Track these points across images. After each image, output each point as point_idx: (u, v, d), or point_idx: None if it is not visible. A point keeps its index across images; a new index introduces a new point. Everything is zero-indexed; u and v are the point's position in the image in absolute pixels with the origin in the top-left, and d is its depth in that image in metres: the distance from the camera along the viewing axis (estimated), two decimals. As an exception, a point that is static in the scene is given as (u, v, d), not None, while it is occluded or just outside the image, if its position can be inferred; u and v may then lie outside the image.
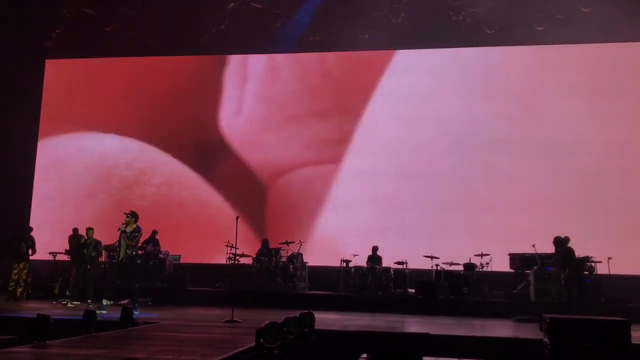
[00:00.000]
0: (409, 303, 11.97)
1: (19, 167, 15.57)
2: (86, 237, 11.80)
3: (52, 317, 6.53)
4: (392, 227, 13.91)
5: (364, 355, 5.95)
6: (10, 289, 12.24)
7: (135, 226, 10.36)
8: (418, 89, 14.51)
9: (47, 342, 6.14)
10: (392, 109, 14.54)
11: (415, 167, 14.27)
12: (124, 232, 10.34)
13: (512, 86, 14.23)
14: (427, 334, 6.21)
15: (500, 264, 12.47)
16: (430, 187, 14.08)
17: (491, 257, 12.44)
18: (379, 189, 14.26)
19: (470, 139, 14.08)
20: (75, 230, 12.85)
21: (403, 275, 12.60)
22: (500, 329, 9.14)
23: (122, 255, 10.36)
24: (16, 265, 12.33)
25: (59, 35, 15.43)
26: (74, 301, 11.20)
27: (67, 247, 12.80)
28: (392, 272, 12.56)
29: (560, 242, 10.60)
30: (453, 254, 12.72)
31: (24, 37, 15.08)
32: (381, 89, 14.76)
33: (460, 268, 12.50)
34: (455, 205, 13.85)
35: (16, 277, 12.32)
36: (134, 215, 10.41)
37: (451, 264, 12.59)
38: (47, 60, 16.32)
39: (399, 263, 12.77)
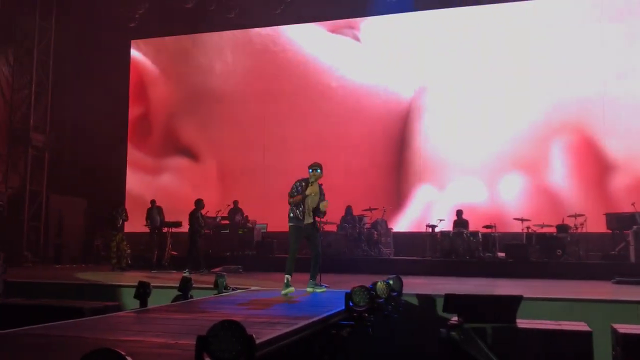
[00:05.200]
0: (498, 267, 11.69)
1: (112, 147, 16.37)
2: (196, 208, 12.25)
3: (151, 284, 6.90)
4: (477, 191, 13.54)
5: (455, 319, 5.88)
6: (112, 260, 13.05)
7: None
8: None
9: (148, 307, 6.50)
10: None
11: (496, 128, 13.75)
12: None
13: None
14: (521, 296, 6.03)
15: (596, 225, 11.87)
16: (518, 147, 13.54)
17: (586, 218, 11.86)
18: (463, 154, 13.89)
19: (556, 97, 13.37)
20: (153, 202, 13.52)
21: (492, 239, 12.28)
22: (599, 290, 8.73)
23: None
24: (114, 237, 13.13)
25: (142, 16, 15.91)
26: (190, 270, 11.57)
27: (147, 219, 13.41)
28: (480, 236, 12.28)
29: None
30: (545, 215, 12.24)
31: (110, 19, 15.65)
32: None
33: (553, 230, 12.02)
34: (545, 165, 13.27)
35: (115, 248, 13.11)
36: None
37: (543, 226, 12.12)
38: (132, 41, 16.99)
39: (487, 227, 12.45)
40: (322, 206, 7.51)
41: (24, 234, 15.14)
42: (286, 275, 7.46)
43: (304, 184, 7.61)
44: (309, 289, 7.71)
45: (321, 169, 7.65)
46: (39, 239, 15.64)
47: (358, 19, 15.09)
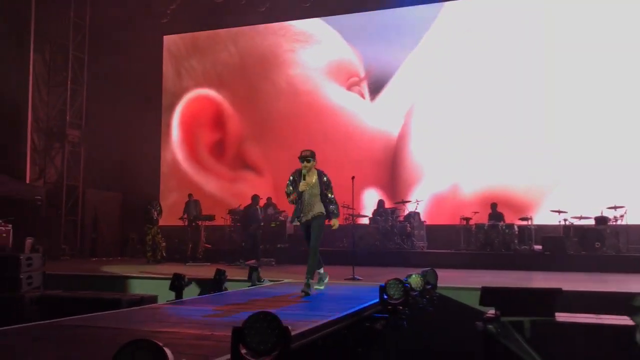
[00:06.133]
0: (534, 260, 11.47)
1: (146, 141, 16.57)
2: (252, 203, 12.57)
3: (187, 276, 6.98)
4: (513, 183, 13.30)
5: (492, 312, 5.77)
6: (148, 252, 13.24)
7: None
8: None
9: (183, 299, 6.57)
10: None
11: (538, 119, 13.47)
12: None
13: None
14: (560, 290, 5.89)
15: (637, 217, 11.53)
16: (556, 139, 13.24)
17: (626, 210, 11.53)
18: (497, 145, 13.64)
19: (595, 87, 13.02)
20: (190, 196, 13.70)
21: (528, 232, 12.06)
22: (640, 284, 8.47)
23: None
24: (149, 231, 13.32)
25: (174, 11, 16.02)
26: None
27: (184, 212, 13.59)
28: (516, 229, 12.06)
29: None
30: (583, 207, 11.95)
31: (142, 15, 15.81)
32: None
33: (591, 222, 11.72)
34: (584, 157, 12.94)
35: (150, 241, 13.30)
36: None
37: (581, 217, 11.84)
38: (164, 36, 17.15)
39: (523, 219, 12.23)
40: (333, 224, 6.86)
41: (61, 227, 15.48)
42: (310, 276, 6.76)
43: (297, 177, 6.83)
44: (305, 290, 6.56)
45: (313, 158, 6.75)
46: (76, 232, 15.97)
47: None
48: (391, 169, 14.54)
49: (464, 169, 13.82)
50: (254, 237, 12.51)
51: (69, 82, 16.12)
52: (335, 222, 6.96)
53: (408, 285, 5.83)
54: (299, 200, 6.78)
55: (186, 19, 16.02)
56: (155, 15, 16.00)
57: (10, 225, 13.71)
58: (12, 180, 14.92)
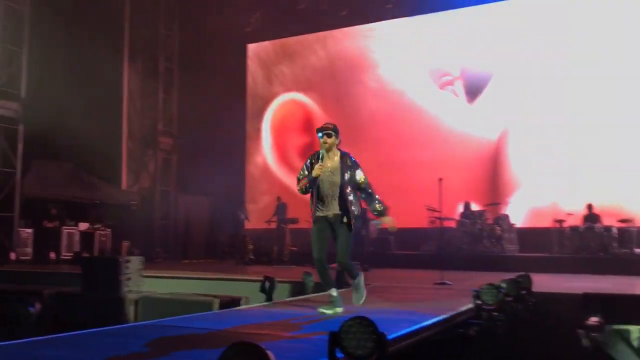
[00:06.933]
0: (637, 264, 10.74)
1: (233, 148, 17.06)
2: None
3: (275, 279, 7.07)
4: (611, 183, 12.53)
5: (594, 319, 5.47)
6: (236, 255, 13.60)
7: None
8: None
9: (273, 301, 6.67)
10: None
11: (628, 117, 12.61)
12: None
13: None
14: (672, 297, 5.48)
15: None
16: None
17: None
18: (592, 145, 12.90)
19: None
20: (279, 199, 13.93)
21: (628, 234, 11.33)
22: None
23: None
24: (237, 234, 13.70)
25: (257, 19, 16.40)
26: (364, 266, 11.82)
27: (273, 214, 13.81)
28: (615, 231, 11.37)
29: None
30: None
31: (226, 25, 16.28)
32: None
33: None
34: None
35: (238, 244, 13.65)
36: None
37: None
38: (248, 45, 17.59)
39: (623, 221, 11.51)
40: (390, 225, 5.37)
41: (155, 231, 16.21)
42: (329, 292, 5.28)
43: (314, 160, 5.29)
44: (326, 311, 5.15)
45: (336, 133, 5.25)
46: (168, 235, 16.67)
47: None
48: (484, 174, 13.99)
49: (557, 168, 13.12)
50: (361, 238, 12.25)
51: (160, 92, 16.91)
52: (387, 220, 5.44)
53: (503, 291, 5.63)
54: (312, 190, 5.29)
55: (268, 26, 16.34)
56: (239, 24, 16.42)
57: (109, 230, 14.55)
58: (109, 186, 15.83)
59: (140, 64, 16.93)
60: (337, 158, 5.30)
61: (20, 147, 13.48)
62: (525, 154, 13.64)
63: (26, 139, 13.52)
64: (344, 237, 5.24)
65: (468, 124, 14.33)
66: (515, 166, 13.77)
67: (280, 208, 13.98)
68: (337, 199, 5.24)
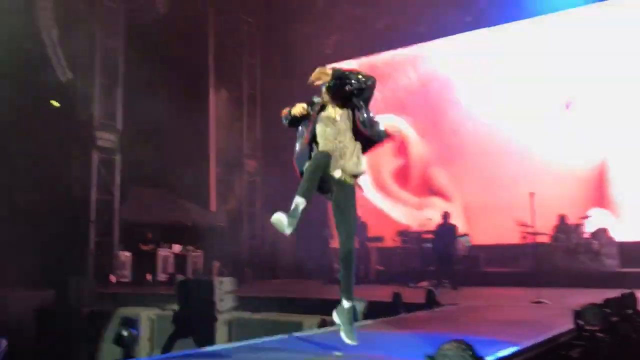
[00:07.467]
0: None
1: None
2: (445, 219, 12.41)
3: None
4: None
5: None
6: (323, 274, 13.65)
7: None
8: None
9: (362, 322, 6.61)
10: None
11: None
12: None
13: None
14: None
15: None
16: None
17: None
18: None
19: None
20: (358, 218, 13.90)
21: None
22: None
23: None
24: (323, 252, 13.79)
25: (336, 41, 16.62)
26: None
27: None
28: None
29: None
30: None
31: (306, 49, 16.58)
32: None
33: None
34: None
35: (325, 263, 13.71)
36: None
37: None
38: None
39: None
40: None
41: (243, 251, 16.62)
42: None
43: (316, 108, 4.42)
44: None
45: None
46: (257, 256, 17.03)
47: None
48: (587, 194, 13.26)
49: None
50: (448, 256, 12.11)
51: (244, 118, 17.51)
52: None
53: (607, 310, 5.30)
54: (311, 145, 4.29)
55: (348, 47, 16.48)
56: (319, 47, 16.67)
57: (201, 251, 15.08)
58: (198, 208, 16.45)
59: (224, 92, 17.61)
60: (343, 109, 4.60)
61: (117, 175, 14.32)
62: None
63: (123, 167, 14.34)
64: (350, 208, 4.38)
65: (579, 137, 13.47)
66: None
67: (359, 228, 13.82)
68: (348, 153, 4.47)
